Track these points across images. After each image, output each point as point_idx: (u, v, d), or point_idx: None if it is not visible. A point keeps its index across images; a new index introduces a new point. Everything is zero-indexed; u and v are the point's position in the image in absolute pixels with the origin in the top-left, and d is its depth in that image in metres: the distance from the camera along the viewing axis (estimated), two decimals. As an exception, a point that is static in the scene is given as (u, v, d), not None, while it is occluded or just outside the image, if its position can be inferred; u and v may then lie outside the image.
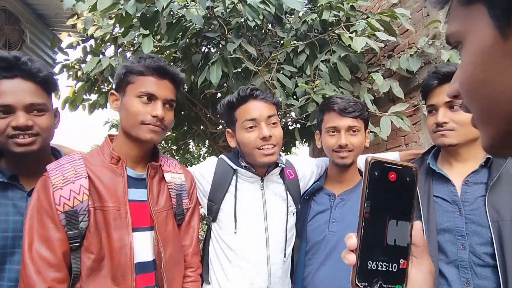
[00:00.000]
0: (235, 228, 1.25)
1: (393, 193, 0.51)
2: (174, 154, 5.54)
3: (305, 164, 1.46)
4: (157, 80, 1.07)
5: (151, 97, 1.06)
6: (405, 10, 2.06)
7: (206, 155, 6.61)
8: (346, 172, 1.37)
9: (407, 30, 2.98)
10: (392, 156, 1.52)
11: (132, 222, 1.03)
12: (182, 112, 3.61)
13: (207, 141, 4.60)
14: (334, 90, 2.28)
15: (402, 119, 2.30)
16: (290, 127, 3.38)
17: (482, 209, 1.06)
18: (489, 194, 1.05)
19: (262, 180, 1.32)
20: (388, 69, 2.81)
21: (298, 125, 2.94)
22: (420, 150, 1.41)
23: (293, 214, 1.36)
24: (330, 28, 2.34)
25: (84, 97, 3.26)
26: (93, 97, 3.31)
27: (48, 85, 1.11)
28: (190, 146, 5.95)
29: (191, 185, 1.27)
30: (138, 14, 1.80)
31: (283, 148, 3.71)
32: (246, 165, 1.31)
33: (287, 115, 3.00)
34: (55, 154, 1.23)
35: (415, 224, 0.48)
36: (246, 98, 1.25)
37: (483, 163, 1.12)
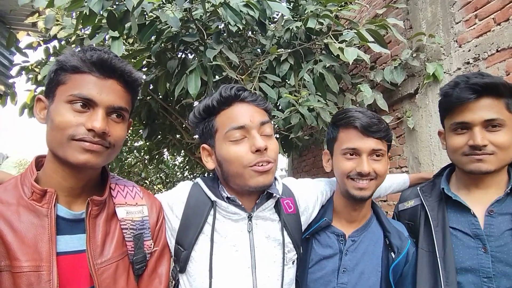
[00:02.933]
0: (210, 286, 0.90)
1: None
2: (147, 164, 5.23)
3: (307, 191, 1.12)
4: (98, 79, 0.77)
5: (88, 104, 0.76)
6: (398, 20, 1.97)
7: (182, 165, 6.34)
8: (360, 206, 1.09)
9: (389, 41, 2.98)
10: (401, 178, 1.37)
11: (60, 285, 0.72)
12: (156, 121, 3.39)
13: (182, 151, 4.37)
14: (319, 101, 2.18)
15: (386, 132, 2.23)
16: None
17: (510, 246, 0.92)
18: None
19: (250, 217, 0.97)
20: (370, 81, 2.75)
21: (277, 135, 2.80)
22: (431, 174, 1.26)
23: (293, 262, 1.01)
24: (315, 37, 2.24)
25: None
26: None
27: None
28: (165, 156, 5.64)
29: (158, 219, 0.94)
30: (105, 13, 1.59)
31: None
32: (229, 196, 0.96)
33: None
34: None
35: None
36: (230, 101, 0.93)
37: (509, 191, 0.98)
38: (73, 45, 2.70)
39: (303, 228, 1.09)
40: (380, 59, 3.03)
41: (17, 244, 0.71)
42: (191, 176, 5.95)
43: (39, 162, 0.84)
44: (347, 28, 2.17)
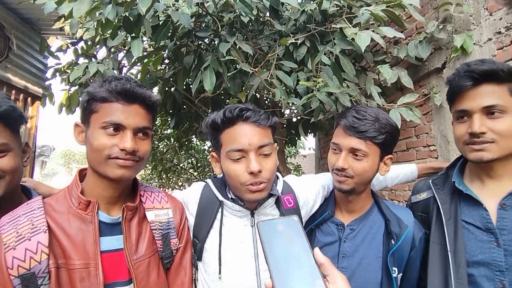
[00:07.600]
0: (219, 273, 1.05)
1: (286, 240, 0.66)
2: (178, 150, 5.44)
3: (307, 187, 1.22)
4: (124, 106, 0.90)
5: (118, 127, 0.89)
6: (414, -1, 1.85)
7: (211, 149, 6.48)
8: (355, 198, 1.16)
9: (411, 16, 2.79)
10: (408, 169, 1.36)
11: (105, 278, 0.87)
12: (182, 110, 3.50)
13: (209, 137, 4.47)
14: (338, 85, 2.13)
15: (412, 110, 2.14)
16: (294, 119, 3.25)
17: None
18: None
19: (252, 214, 1.10)
20: (395, 57, 2.63)
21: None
22: (442, 163, 1.22)
23: None
24: (330, 19, 2.16)
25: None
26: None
27: (9, 121, 0.98)
28: (194, 142, 5.82)
29: (181, 220, 1.09)
30: (121, 17, 1.65)
31: (287, 141, 3.59)
32: (233, 197, 1.11)
33: (291, 111, 2.86)
34: (27, 195, 1.10)
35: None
36: (233, 120, 1.02)
37: None
38: (98, 45, 2.84)
39: (305, 219, 1.20)
40: (405, 33, 2.86)
41: (70, 246, 0.86)
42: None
43: (81, 174, 0.98)
44: (364, 5, 2.06)
